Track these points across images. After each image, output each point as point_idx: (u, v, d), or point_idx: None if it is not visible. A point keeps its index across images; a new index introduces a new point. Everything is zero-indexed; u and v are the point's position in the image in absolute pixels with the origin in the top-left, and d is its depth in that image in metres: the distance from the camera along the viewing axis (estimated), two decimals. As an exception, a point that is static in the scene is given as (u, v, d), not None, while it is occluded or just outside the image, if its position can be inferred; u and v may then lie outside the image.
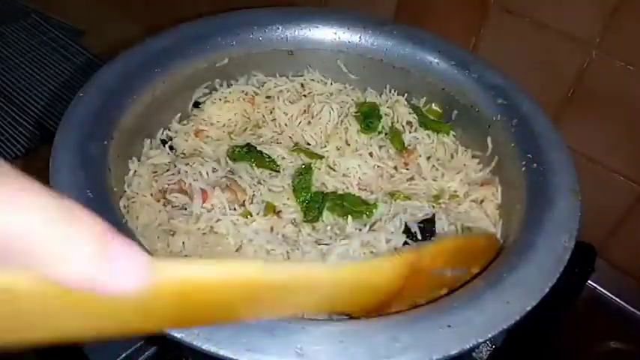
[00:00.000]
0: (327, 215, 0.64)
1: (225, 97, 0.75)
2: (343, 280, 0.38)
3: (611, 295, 0.80)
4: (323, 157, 0.70)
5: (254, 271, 0.31)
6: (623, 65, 0.70)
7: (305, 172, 0.67)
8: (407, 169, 0.70)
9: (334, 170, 0.69)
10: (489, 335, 0.43)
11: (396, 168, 0.71)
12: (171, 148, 0.70)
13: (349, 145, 0.72)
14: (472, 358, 0.68)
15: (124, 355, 0.65)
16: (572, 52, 0.74)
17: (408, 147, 0.72)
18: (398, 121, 0.75)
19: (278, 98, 0.76)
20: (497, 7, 0.78)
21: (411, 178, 0.69)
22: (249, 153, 0.68)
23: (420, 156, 0.70)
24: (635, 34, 0.68)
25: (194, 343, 0.39)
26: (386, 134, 0.73)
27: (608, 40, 0.70)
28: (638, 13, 0.67)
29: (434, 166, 0.70)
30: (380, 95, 0.78)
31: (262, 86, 0.77)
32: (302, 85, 0.79)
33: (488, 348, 0.69)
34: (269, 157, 0.68)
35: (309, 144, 0.73)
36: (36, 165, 0.98)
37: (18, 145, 1.02)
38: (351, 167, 0.69)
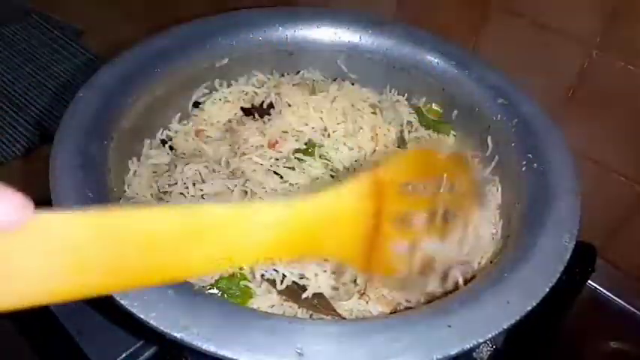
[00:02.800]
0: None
1: (226, 97, 0.75)
2: (300, 216, 0.36)
3: (611, 295, 0.80)
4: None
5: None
6: (623, 65, 0.70)
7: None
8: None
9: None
10: (489, 335, 0.43)
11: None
12: (171, 148, 0.70)
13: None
14: (472, 359, 0.68)
15: (124, 355, 0.65)
16: (572, 52, 0.74)
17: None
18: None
19: None
20: (497, 7, 0.79)
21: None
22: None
23: None
24: (635, 34, 0.68)
25: (194, 343, 0.39)
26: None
27: (608, 40, 0.70)
28: (638, 13, 0.67)
29: None
30: (380, 95, 0.78)
31: (262, 86, 0.77)
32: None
33: (488, 348, 0.69)
34: None
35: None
36: (36, 165, 0.98)
37: (18, 145, 1.02)
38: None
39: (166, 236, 0.32)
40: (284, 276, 0.55)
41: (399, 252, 0.44)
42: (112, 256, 0.31)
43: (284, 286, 0.55)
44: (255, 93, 0.76)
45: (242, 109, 0.74)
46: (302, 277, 0.56)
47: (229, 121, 0.73)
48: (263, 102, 0.73)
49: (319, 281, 0.56)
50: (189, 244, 0.33)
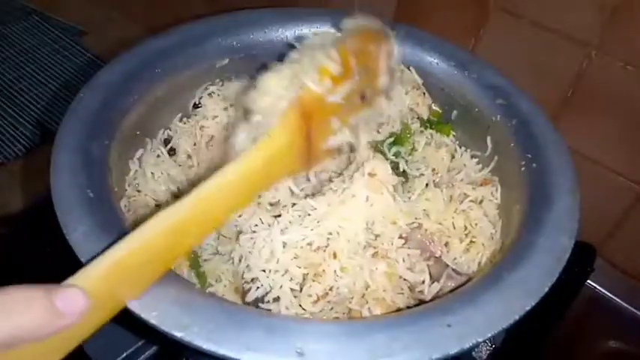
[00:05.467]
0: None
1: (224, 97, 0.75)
2: (252, 171, 0.46)
3: (610, 295, 0.80)
4: None
5: (171, 216, 0.41)
6: (623, 65, 0.71)
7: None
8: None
9: None
10: (489, 335, 0.43)
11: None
12: (172, 148, 0.70)
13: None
14: (472, 358, 0.68)
15: (124, 355, 0.65)
16: (571, 52, 0.74)
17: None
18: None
19: None
20: (497, 7, 0.79)
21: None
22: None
23: None
24: (634, 34, 0.68)
25: (194, 342, 0.40)
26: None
27: (608, 40, 0.71)
28: (638, 13, 0.67)
29: None
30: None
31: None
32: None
33: (487, 347, 0.69)
34: None
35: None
36: (37, 165, 0.98)
37: (19, 145, 1.02)
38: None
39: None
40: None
41: (330, 144, 0.53)
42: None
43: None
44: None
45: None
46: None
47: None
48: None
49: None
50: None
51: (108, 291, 0.39)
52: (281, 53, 0.75)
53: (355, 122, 0.54)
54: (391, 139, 0.70)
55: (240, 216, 0.60)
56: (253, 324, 0.41)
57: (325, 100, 0.49)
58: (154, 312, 0.41)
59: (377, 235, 0.59)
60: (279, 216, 0.58)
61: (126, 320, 0.41)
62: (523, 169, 0.61)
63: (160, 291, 0.42)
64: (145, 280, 0.42)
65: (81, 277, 0.37)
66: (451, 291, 0.56)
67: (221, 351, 0.39)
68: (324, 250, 0.55)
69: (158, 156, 0.68)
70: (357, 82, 0.52)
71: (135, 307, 0.41)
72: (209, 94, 0.75)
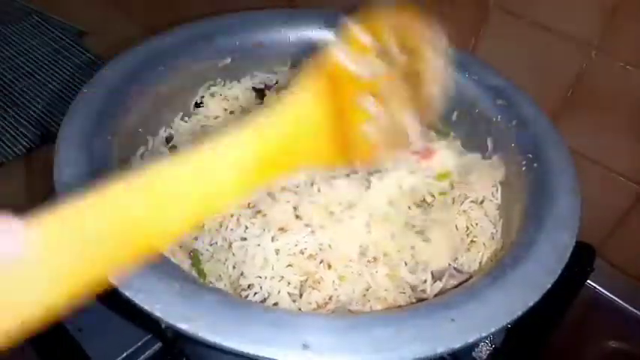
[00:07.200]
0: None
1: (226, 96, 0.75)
2: (265, 139, 0.36)
3: (610, 295, 0.80)
4: None
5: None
6: (623, 65, 0.71)
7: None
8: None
9: None
10: (492, 329, 0.43)
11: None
12: (173, 146, 0.70)
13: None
14: (472, 358, 0.68)
15: (124, 355, 0.65)
16: (571, 53, 0.75)
17: None
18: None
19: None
20: (497, 7, 0.79)
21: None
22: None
23: None
24: (634, 34, 0.69)
25: (199, 334, 0.39)
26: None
27: (608, 41, 0.71)
28: (638, 13, 0.67)
29: None
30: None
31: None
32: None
33: (488, 347, 0.69)
34: None
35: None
36: (37, 164, 0.98)
37: (19, 145, 1.02)
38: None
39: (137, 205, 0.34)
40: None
41: (369, 130, 0.43)
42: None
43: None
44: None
45: (254, 89, 0.74)
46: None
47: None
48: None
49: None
50: (162, 206, 0.34)
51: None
52: (284, 53, 0.77)
53: (398, 106, 0.44)
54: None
55: (227, 229, 0.60)
56: (258, 317, 0.41)
57: (352, 72, 0.41)
58: (157, 304, 0.41)
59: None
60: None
61: (130, 314, 0.41)
62: (524, 169, 0.62)
63: (165, 283, 0.42)
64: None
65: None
66: (452, 288, 0.56)
67: (227, 343, 0.39)
68: (316, 259, 0.56)
69: (160, 154, 0.68)
70: (394, 59, 0.43)
71: (139, 299, 0.41)
72: (211, 94, 0.75)
